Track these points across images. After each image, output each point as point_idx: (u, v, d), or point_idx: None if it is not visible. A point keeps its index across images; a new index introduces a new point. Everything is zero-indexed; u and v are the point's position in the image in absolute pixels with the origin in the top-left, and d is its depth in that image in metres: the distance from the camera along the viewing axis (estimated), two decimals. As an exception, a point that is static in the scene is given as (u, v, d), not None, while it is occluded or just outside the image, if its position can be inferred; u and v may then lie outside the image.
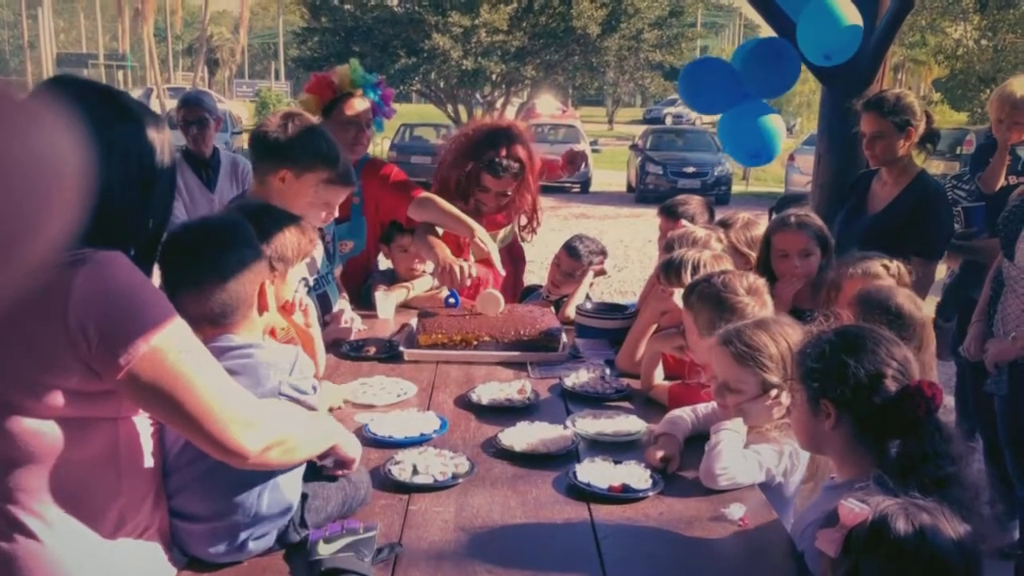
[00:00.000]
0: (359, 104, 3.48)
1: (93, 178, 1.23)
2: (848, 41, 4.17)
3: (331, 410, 2.44)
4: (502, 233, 3.97)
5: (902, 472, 1.52)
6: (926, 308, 3.53)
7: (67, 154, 1.19)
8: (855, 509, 1.33)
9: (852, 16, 4.11)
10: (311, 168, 2.59)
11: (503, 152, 3.61)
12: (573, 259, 3.79)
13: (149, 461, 1.54)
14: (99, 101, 1.46)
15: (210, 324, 1.69)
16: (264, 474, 1.65)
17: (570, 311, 3.55)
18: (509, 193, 3.71)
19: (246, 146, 3.37)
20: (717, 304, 2.41)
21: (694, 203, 3.75)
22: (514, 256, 4.05)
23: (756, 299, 2.44)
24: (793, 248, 3.06)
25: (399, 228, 3.78)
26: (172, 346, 1.40)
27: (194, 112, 4.43)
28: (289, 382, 1.71)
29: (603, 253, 3.87)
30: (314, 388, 1.80)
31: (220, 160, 4.58)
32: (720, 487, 2.02)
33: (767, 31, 4.91)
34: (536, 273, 6.76)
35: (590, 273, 3.75)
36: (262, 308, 1.77)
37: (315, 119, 2.68)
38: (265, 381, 1.68)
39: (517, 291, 4.03)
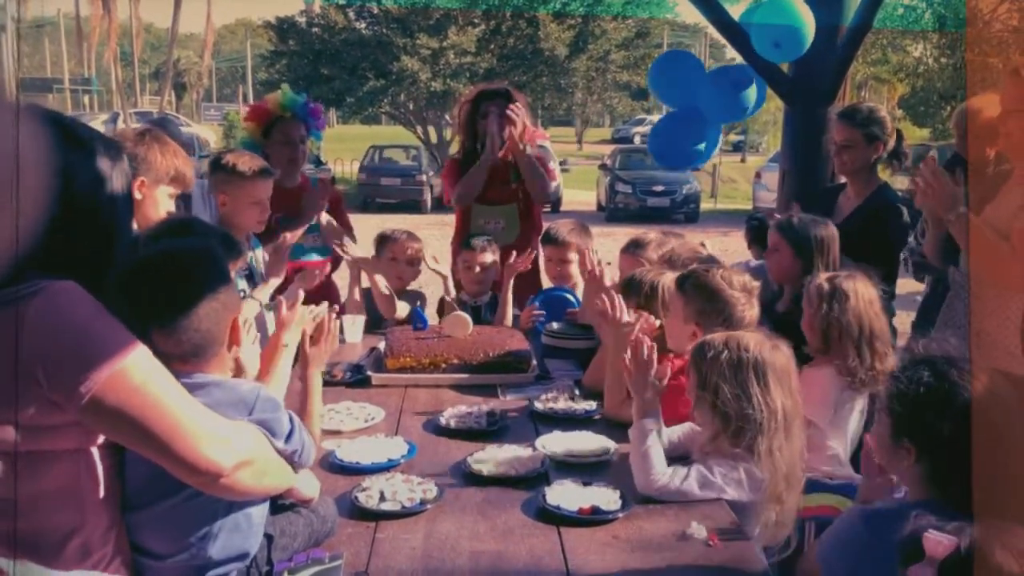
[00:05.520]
0: (292, 125, 3.79)
1: (35, 202, 1.21)
2: (798, 32, 4.14)
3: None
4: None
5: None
6: (899, 324, 3.55)
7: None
8: (943, 541, 1.30)
9: (804, 11, 4.12)
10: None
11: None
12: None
13: (110, 492, 1.50)
14: (46, 128, 1.42)
15: (181, 361, 1.60)
16: (221, 510, 1.60)
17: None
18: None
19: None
20: (710, 294, 2.52)
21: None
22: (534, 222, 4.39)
23: (747, 297, 2.55)
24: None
25: (385, 238, 3.88)
26: (137, 368, 1.38)
27: None
28: (252, 420, 1.63)
29: None
30: (290, 429, 1.69)
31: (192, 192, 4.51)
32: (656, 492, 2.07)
33: (732, 51, 4.96)
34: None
35: None
36: (232, 344, 1.68)
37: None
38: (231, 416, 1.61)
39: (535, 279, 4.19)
